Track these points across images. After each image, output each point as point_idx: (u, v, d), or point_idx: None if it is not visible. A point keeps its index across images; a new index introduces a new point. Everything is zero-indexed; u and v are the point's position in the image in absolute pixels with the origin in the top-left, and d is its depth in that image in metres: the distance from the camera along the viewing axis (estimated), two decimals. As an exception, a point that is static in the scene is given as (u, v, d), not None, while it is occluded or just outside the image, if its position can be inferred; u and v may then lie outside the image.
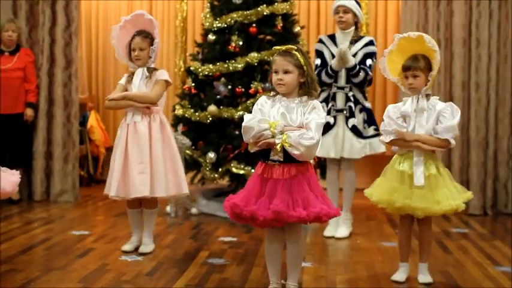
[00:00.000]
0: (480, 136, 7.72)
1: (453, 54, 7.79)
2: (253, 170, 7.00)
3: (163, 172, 5.43)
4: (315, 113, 4.09)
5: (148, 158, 5.39)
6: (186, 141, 7.11)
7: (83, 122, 9.22)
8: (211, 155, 7.10)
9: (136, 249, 5.56)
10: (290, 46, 4.17)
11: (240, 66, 7.19)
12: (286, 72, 4.12)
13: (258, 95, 6.94)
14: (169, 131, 5.61)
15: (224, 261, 5.22)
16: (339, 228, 6.22)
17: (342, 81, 6.19)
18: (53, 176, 8.06)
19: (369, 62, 6.15)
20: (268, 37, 7.45)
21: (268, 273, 4.35)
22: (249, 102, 7.03)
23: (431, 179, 4.62)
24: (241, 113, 7.00)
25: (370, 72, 6.12)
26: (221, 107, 7.19)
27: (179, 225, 6.64)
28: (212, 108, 7.15)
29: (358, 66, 6.08)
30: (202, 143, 7.30)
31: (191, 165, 7.31)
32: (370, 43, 6.26)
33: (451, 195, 4.62)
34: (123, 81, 5.59)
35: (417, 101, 4.67)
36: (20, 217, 7.03)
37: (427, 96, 4.69)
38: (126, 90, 5.52)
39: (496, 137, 7.75)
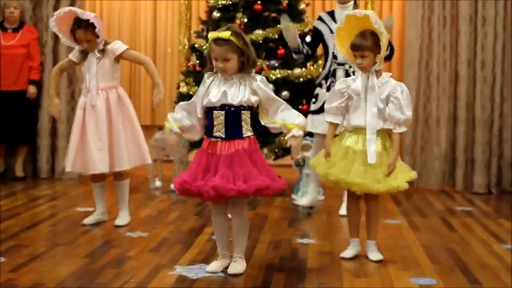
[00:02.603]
0: (485, 114, 7.71)
1: (459, 32, 7.77)
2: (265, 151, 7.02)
3: (124, 146, 5.47)
4: (270, 89, 4.33)
5: (106, 135, 5.42)
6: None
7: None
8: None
9: (98, 222, 5.64)
10: (224, 34, 4.18)
11: (244, 43, 7.15)
12: (226, 60, 4.20)
13: (262, 72, 6.92)
14: (128, 103, 5.60)
15: (228, 238, 5.22)
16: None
17: (341, 57, 6.15)
18: (57, 153, 8.07)
19: None
20: (273, 14, 7.41)
21: (217, 244, 4.47)
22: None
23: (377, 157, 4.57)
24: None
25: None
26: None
27: (183, 202, 6.64)
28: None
29: (301, 47, 6.15)
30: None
31: (196, 142, 7.29)
32: None
33: (393, 175, 4.55)
34: (73, 57, 5.55)
35: (367, 79, 4.60)
36: (25, 194, 7.05)
37: (378, 72, 4.63)
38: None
39: (501, 115, 7.73)
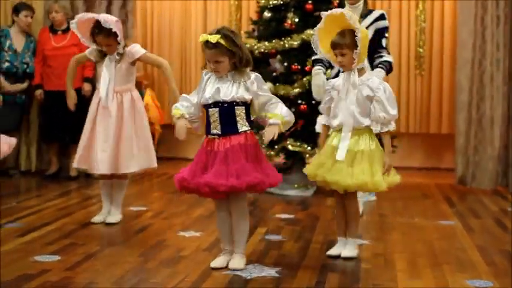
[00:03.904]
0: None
1: (514, 31, 7.67)
2: (309, 148, 7.01)
3: (132, 149, 5.52)
4: (265, 90, 4.43)
5: (113, 138, 5.48)
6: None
7: (139, 99, 9.26)
8: (267, 132, 7.09)
9: (104, 221, 5.70)
10: (213, 37, 4.22)
11: (295, 43, 7.16)
12: (216, 61, 4.28)
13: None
14: (140, 106, 5.66)
15: (281, 238, 5.23)
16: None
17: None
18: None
19: (384, 42, 5.97)
20: (325, 14, 7.38)
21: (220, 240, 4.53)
22: (304, 79, 7.00)
23: (357, 155, 4.53)
24: (297, 90, 6.98)
25: (390, 61, 5.96)
26: (277, 84, 7.18)
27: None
28: (268, 85, 7.11)
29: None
30: (258, 120, 7.30)
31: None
32: (381, 17, 6.04)
33: (370, 172, 4.50)
34: (91, 55, 5.64)
35: (348, 77, 4.58)
36: (78, 193, 7.13)
37: (361, 70, 4.61)
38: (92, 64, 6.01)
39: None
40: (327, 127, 4.76)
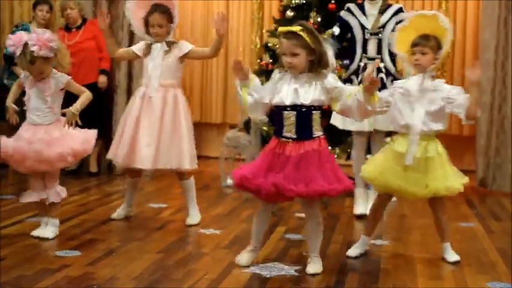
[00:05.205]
0: None
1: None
2: (329, 147, 6.98)
3: (168, 146, 5.42)
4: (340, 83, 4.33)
5: (156, 132, 5.40)
6: (263, 118, 7.09)
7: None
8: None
9: (126, 217, 5.69)
10: (295, 27, 4.15)
11: (318, 42, 7.13)
12: (294, 54, 4.16)
13: (335, 71, 6.88)
14: (183, 106, 5.53)
15: (301, 237, 5.22)
16: (370, 205, 6.13)
17: (372, 52, 6.07)
18: (130, 150, 8.15)
19: None
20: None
21: (252, 236, 4.49)
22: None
23: (428, 162, 4.52)
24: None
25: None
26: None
27: (255, 201, 6.62)
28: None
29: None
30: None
31: (267, 141, 7.30)
32: (400, 10, 6.08)
33: (444, 178, 4.53)
34: (137, 49, 5.57)
35: (422, 81, 4.56)
36: (98, 189, 7.16)
37: (433, 77, 4.58)
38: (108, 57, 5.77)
39: None
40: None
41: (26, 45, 4.78)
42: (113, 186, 7.27)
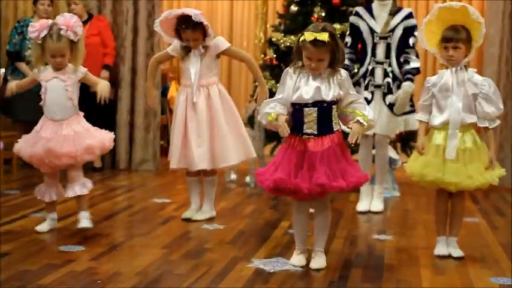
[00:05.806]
0: None
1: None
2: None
3: (229, 142, 5.44)
4: (353, 88, 4.34)
5: (206, 132, 5.40)
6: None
7: (164, 92, 9.29)
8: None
9: (194, 219, 5.64)
10: (323, 36, 4.08)
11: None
12: (320, 60, 4.15)
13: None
14: (229, 99, 5.58)
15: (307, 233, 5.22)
16: (373, 201, 6.14)
17: (380, 56, 6.04)
18: (134, 145, 8.18)
19: (411, 41, 5.95)
20: (351, 9, 7.35)
21: (295, 239, 4.45)
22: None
23: (466, 153, 4.51)
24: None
25: (417, 67, 5.98)
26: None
27: (259, 196, 6.67)
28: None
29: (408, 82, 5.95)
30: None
31: (271, 136, 7.32)
32: (410, 15, 6.04)
33: (483, 169, 4.52)
34: (172, 51, 5.55)
35: (456, 73, 4.54)
36: (102, 184, 7.16)
37: (466, 67, 4.57)
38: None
39: None
40: (423, 124, 4.68)
41: (51, 28, 4.81)
42: (117, 182, 7.28)
